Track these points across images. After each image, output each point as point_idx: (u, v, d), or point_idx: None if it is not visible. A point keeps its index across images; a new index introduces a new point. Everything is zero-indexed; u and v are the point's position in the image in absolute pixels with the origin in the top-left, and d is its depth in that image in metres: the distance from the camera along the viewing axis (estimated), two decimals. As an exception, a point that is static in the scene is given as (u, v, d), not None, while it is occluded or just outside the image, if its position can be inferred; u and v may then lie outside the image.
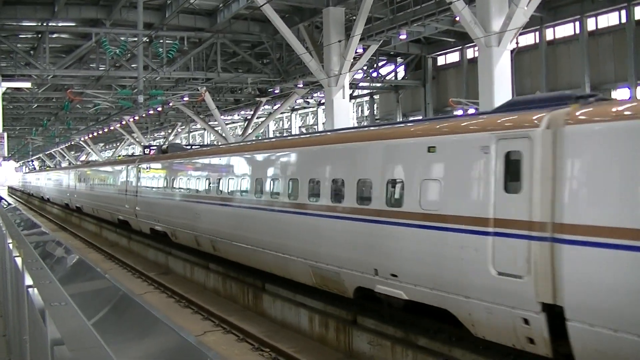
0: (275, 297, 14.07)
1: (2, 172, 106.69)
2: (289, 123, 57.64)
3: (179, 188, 20.66)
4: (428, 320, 10.32)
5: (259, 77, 33.50)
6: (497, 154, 8.50)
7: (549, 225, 7.75)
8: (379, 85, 37.77)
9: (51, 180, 55.81)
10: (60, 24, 28.94)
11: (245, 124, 46.52)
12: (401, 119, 37.34)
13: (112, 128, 56.71)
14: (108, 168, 33.09)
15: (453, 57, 35.18)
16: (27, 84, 33.74)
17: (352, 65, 26.40)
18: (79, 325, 3.76)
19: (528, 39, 29.65)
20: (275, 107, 44.44)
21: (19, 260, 6.54)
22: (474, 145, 8.88)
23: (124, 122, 51.87)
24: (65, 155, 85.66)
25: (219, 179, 17.32)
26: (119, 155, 68.90)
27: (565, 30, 28.27)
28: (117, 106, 38.70)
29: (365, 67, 33.16)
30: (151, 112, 40.20)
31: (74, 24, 29.41)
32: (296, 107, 53.37)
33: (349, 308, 12.03)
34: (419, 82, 36.50)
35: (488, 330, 8.72)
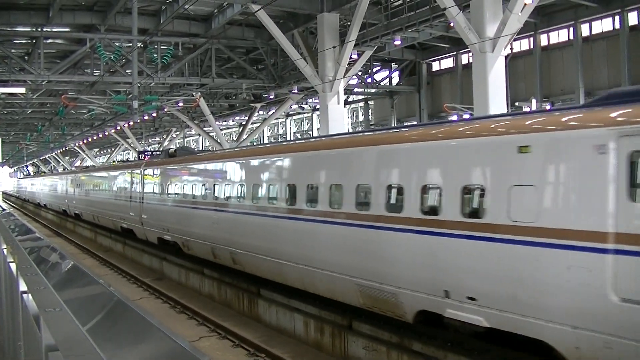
0: (271, 303, 14.04)
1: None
2: (284, 129, 57.67)
3: (194, 194, 18.69)
4: (423, 326, 10.22)
5: (254, 82, 33.53)
6: (619, 153, 7.09)
7: None
8: (373, 90, 37.86)
9: (48, 186, 53.72)
10: (54, 30, 28.93)
11: (240, 130, 46.53)
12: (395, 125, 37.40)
13: (106, 133, 56.62)
14: (110, 173, 31.03)
15: (447, 62, 35.30)
16: (22, 90, 33.75)
17: (347, 71, 26.46)
18: (73, 331, 3.76)
19: (522, 45, 29.79)
20: (270, 113, 44.49)
21: (13, 266, 6.52)
22: (584, 143, 7.44)
23: (118, 128, 51.81)
24: (60, 160, 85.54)
25: (244, 185, 15.49)
26: (114, 161, 68.73)
27: (560, 36, 28.41)
28: (111, 112, 38.68)
29: (359, 73, 33.22)
30: (146, 117, 40.15)
31: (68, 30, 29.42)
32: (291, 112, 53.41)
33: (344, 313, 12.01)
34: (413, 88, 36.60)
35: None
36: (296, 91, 34.31)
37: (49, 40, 29.93)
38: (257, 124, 46.75)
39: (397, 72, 37.73)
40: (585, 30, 27.18)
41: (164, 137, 64.69)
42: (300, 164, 13.50)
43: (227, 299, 16.04)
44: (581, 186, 7.47)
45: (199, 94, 35.13)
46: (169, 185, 21.23)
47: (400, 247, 9.92)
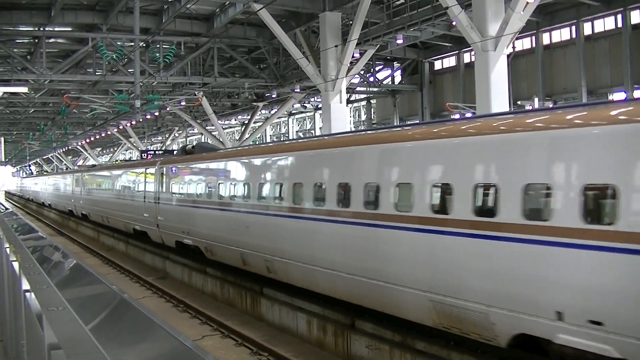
0: (273, 301, 14.03)
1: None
2: (286, 128, 57.69)
3: (220, 194, 16.83)
4: (425, 324, 10.11)
5: (256, 81, 33.54)
6: None
7: None
8: (375, 89, 37.82)
9: (53, 185, 51.59)
10: (56, 29, 28.96)
11: (243, 129, 46.55)
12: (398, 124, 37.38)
13: (109, 133, 56.67)
14: (122, 171, 29.19)
15: (450, 61, 35.25)
16: (24, 89, 33.82)
17: (349, 69, 26.44)
18: (76, 329, 3.76)
19: (524, 44, 29.74)
20: (273, 112, 44.51)
21: (16, 265, 6.53)
22: None
23: (121, 127, 51.86)
24: (62, 160, 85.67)
25: (283, 183, 13.58)
26: (116, 160, 68.76)
27: (562, 34, 28.35)
28: (114, 111, 38.67)
29: (362, 72, 33.20)
30: (148, 116, 40.17)
31: (70, 29, 29.44)
32: (293, 111, 53.42)
33: (347, 312, 12.00)
34: (415, 87, 36.56)
35: None
36: (298, 90, 34.29)
37: (51, 40, 29.98)
38: (260, 123, 46.77)
39: (399, 71, 37.70)
40: (587, 29, 27.11)
41: (167, 136, 64.76)
42: (387, 158, 10.78)
43: (230, 298, 16.04)
44: None
45: (201, 93, 35.15)
46: (190, 184, 19.63)
47: (496, 259, 8.28)
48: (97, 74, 30.45)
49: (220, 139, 41.41)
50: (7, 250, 8.11)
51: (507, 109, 19.46)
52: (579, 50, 27.14)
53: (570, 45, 27.77)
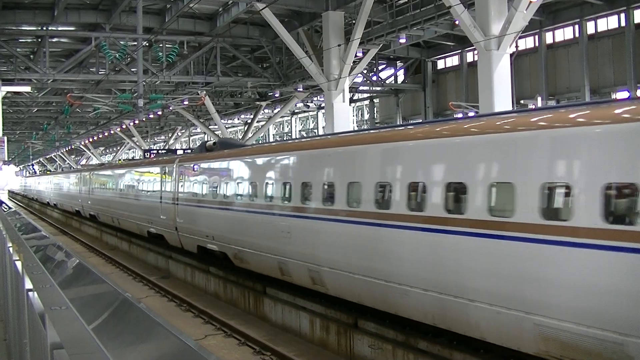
0: (276, 301, 14.03)
1: (2, 176, 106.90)
2: (289, 127, 57.70)
3: (252, 195, 15.00)
4: (428, 324, 10.09)
5: (259, 81, 33.57)
6: None
7: None
8: (378, 89, 37.82)
9: (59, 184, 49.25)
10: (59, 29, 29.04)
11: (246, 128, 46.59)
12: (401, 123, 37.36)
13: (112, 132, 56.76)
14: (135, 170, 27.39)
15: (453, 60, 35.25)
16: (27, 88, 33.84)
17: (352, 69, 26.46)
18: (78, 329, 3.76)
19: (528, 43, 29.71)
20: (276, 111, 44.55)
21: (19, 264, 6.53)
22: None
23: (124, 126, 51.93)
24: (65, 159, 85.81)
25: (337, 183, 11.60)
26: (119, 159, 68.82)
27: (565, 33, 28.33)
28: (117, 110, 38.76)
29: (365, 71, 33.22)
30: (151, 116, 40.24)
31: (73, 29, 29.52)
32: (296, 110, 53.45)
33: (350, 311, 12.00)
34: (418, 86, 36.55)
35: None
36: (301, 89, 34.32)
37: (54, 39, 30.05)
38: (263, 122, 46.80)
39: (402, 70, 37.68)
40: (590, 28, 27.08)
41: (170, 135, 64.86)
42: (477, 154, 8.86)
43: (233, 298, 16.05)
44: None
45: (204, 92, 35.19)
46: (215, 184, 17.54)
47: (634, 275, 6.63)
48: (100, 73, 30.50)
49: (223, 138, 41.42)
50: (10, 249, 8.11)
51: (510, 108, 19.44)
52: (582, 50, 27.11)
53: (574, 44, 27.75)
